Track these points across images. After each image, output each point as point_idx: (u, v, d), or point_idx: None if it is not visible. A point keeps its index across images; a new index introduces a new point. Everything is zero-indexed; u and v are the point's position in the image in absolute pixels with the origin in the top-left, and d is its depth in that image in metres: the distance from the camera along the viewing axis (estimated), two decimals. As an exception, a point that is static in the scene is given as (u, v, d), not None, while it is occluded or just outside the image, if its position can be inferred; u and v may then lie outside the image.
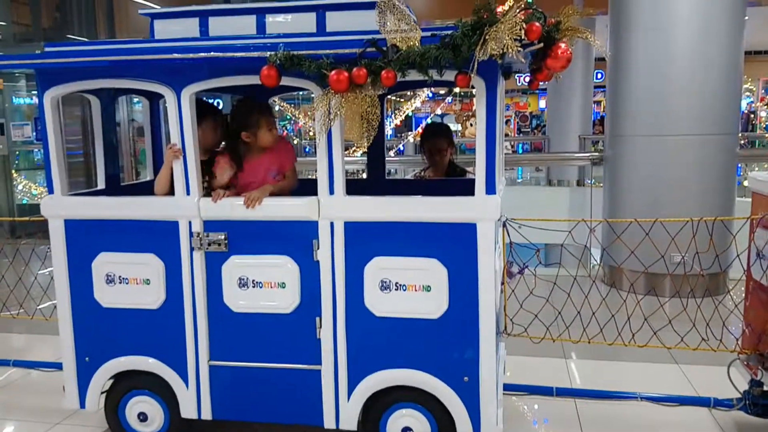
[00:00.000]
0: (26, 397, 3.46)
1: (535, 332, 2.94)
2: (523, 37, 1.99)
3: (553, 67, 2.16)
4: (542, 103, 24.16)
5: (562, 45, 2.13)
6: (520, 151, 16.27)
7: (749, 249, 2.83)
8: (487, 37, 1.99)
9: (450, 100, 25.38)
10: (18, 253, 3.81)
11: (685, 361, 3.59)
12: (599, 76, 17.36)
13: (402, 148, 15.55)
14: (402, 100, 18.89)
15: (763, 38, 17.80)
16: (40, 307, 3.60)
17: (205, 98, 2.97)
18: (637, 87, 5.09)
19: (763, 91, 23.23)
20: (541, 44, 2.08)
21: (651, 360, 3.51)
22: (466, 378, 2.39)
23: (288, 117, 18.38)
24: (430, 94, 21.64)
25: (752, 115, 22.43)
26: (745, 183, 6.87)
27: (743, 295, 2.95)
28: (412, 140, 15.77)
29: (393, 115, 17.59)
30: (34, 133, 8.96)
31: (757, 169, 7.60)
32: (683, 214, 4.20)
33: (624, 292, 4.49)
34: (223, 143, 2.88)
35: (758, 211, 2.79)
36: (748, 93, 22.15)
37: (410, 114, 21.46)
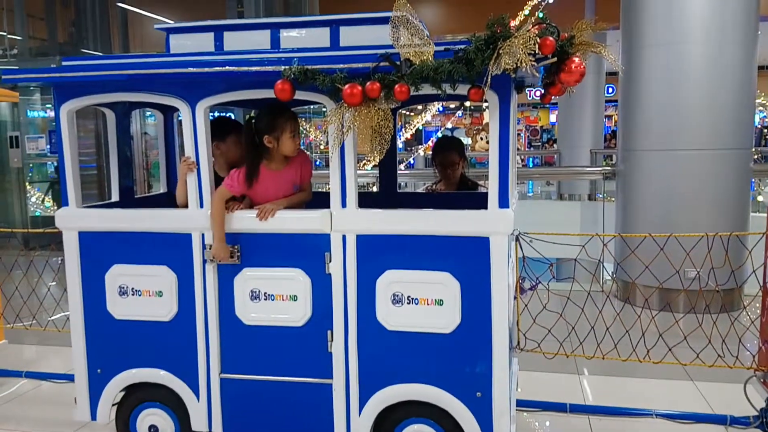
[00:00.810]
0: (37, 409, 3.47)
1: (549, 347, 2.91)
2: (536, 52, 1.99)
3: (567, 81, 2.16)
4: (553, 117, 24.15)
5: (576, 59, 2.13)
6: (531, 166, 16.24)
7: (765, 264, 2.79)
8: (500, 51, 1.99)
9: (460, 114, 25.44)
10: (31, 264, 3.83)
11: (700, 378, 3.54)
12: (610, 90, 17.36)
13: (412, 162, 15.56)
14: (412, 113, 18.96)
15: (776, 53, 17.70)
16: (53, 318, 3.62)
17: (223, 113, 2.98)
18: (650, 101, 5.08)
19: (776, 105, 23.09)
20: (555, 58, 2.08)
21: (666, 377, 3.47)
22: (478, 393, 2.37)
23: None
24: (441, 108, 21.71)
25: (765, 130, 22.30)
26: (759, 198, 6.81)
27: (759, 311, 2.92)
28: (422, 154, 15.80)
29: (403, 129, 17.64)
30: (48, 146, 9.07)
31: (771, 184, 7.53)
32: (696, 229, 4.15)
33: (638, 307, 4.45)
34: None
35: (774, 226, 2.76)
36: (761, 108, 22.03)
37: (420, 128, 21.52)
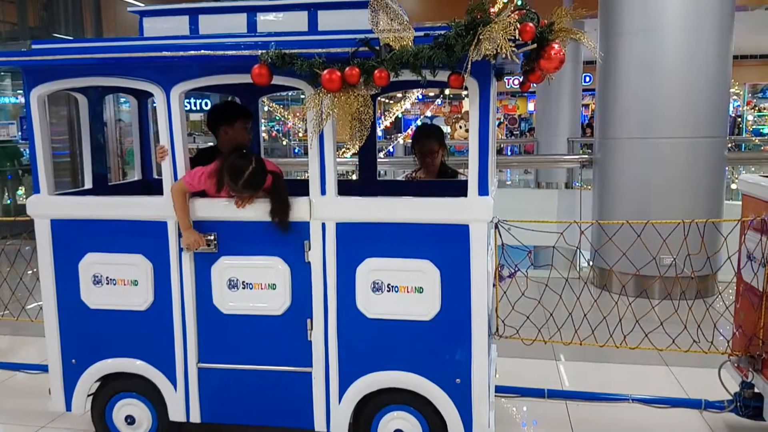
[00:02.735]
0: (11, 400, 3.41)
1: (527, 334, 2.93)
2: (516, 38, 1.98)
3: (547, 68, 2.16)
4: (531, 106, 24.25)
5: (556, 46, 2.12)
6: (509, 154, 16.31)
7: (740, 251, 2.84)
8: (480, 37, 1.97)
9: (440, 102, 25.41)
10: (3, 253, 3.75)
11: (676, 363, 3.59)
12: (587, 79, 17.47)
13: (392, 150, 15.53)
14: (392, 101, 18.89)
15: (750, 42, 18.01)
16: (26, 308, 3.55)
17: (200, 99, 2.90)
18: (626, 90, 5.11)
19: (749, 95, 23.48)
20: (535, 45, 2.07)
21: (642, 362, 3.52)
22: (457, 380, 2.38)
23: (277, 117, 18.31)
24: (420, 96, 21.66)
25: (739, 119, 22.68)
26: (733, 186, 6.93)
27: (734, 297, 2.96)
28: (401, 142, 15.76)
29: (383, 117, 17.58)
30: (20, 133, 8.86)
31: (744, 172, 7.65)
32: (672, 216, 4.19)
33: (615, 294, 4.47)
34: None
35: (748, 213, 2.80)
36: (735, 97, 22.39)
37: (400, 116, 21.46)
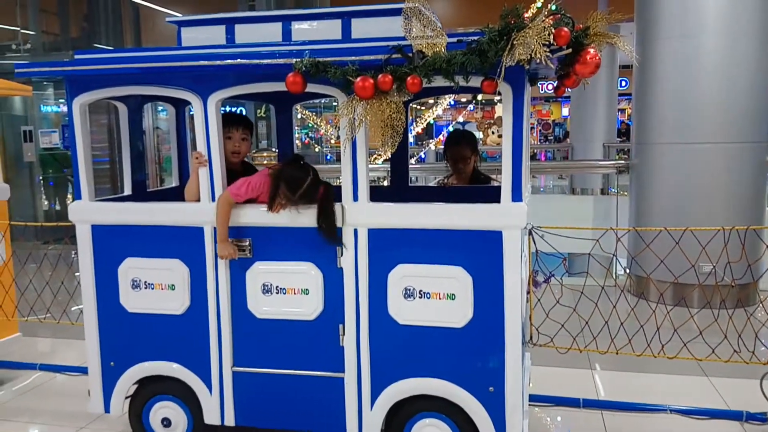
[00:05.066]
0: (51, 401, 3.50)
1: (562, 342, 2.89)
2: (551, 43, 1.97)
3: (582, 72, 2.13)
4: (565, 111, 23.98)
5: (591, 50, 2.10)
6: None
7: (783, 259, 2.76)
8: (514, 42, 1.97)
9: (472, 108, 25.32)
10: (45, 257, 3.86)
11: (715, 374, 3.50)
12: (623, 83, 17.21)
13: (423, 156, 15.52)
14: (424, 108, 18.89)
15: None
16: (68, 311, 3.64)
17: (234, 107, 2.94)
18: (664, 94, 5.02)
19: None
20: (570, 50, 2.05)
21: (680, 372, 3.44)
22: (491, 388, 2.36)
23: (310, 125, 18.49)
24: (452, 102, 21.62)
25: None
26: (775, 192, 6.72)
27: (776, 306, 2.88)
28: (433, 148, 15.75)
29: (415, 123, 17.59)
30: (62, 141, 9.12)
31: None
32: (711, 223, 4.10)
33: (652, 302, 4.41)
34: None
35: (792, 220, 2.72)
36: (776, 101, 21.75)
37: (432, 122, 21.45)
